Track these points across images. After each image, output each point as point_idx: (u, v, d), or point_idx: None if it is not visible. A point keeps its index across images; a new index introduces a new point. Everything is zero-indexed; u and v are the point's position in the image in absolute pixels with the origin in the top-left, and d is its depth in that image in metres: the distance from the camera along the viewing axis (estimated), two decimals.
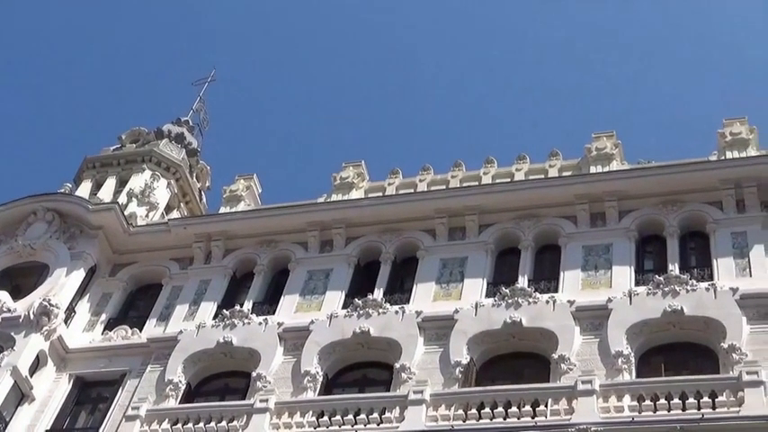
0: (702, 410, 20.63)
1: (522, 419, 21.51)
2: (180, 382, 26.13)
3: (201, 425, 23.74)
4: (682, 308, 23.68)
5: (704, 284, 24.26)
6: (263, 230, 30.08)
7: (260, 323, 27.01)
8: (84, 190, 34.05)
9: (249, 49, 69.25)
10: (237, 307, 27.76)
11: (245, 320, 27.19)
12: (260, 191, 33.54)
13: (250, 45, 70.10)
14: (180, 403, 25.63)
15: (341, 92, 68.77)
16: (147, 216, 32.82)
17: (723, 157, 27.69)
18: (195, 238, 30.43)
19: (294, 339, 26.25)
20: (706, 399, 20.79)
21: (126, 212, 31.51)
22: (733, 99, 58.80)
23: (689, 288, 24.19)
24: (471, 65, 67.87)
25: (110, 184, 34.48)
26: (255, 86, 68.95)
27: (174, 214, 34.62)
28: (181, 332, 27.41)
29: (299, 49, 70.21)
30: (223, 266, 29.68)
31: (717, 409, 20.59)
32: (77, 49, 71.54)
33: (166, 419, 24.24)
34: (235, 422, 23.56)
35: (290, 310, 27.46)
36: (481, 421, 21.79)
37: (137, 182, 34.07)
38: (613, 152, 29.05)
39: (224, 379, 26.66)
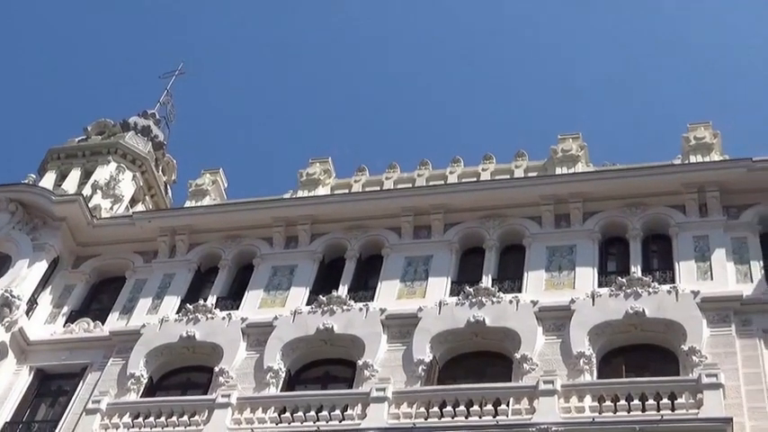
0: (662, 412, 20.81)
1: (484, 418, 21.59)
2: (142, 375, 26.02)
3: (163, 419, 23.63)
4: (643, 310, 23.90)
5: (666, 287, 24.49)
6: (229, 225, 30.02)
7: (223, 318, 26.94)
8: (48, 181, 33.78)
9: (218, 44, 69.06)
10: (201, 301, 27.69)
11: (209, 315, 27.12)
12: (226, 185, 33.47)
13: (219, 39, 69.90)
14: (141, 397, 25.54)
15: (309, 88, 68.70)
16: (111, 208, 32.64)
17: (687, 161, 27.96)
18: (160, 232, 30.33)
19: (257, 335, 26.22)
20: (665, 400, 20.96)
21: (90, 204, 31.32)
22: (698, 103, 59.45)
23: (651, 290, 24.42)
24: (439, 64, 68.05)
25: (74, 175, 34.20)
26: (223, 81, 68.78)
27: (139, 207, 34.42)
28: (144, 326, 27.31)
29: (269, 44, 70.09)
30: (187, 260, 29.60)
31: (676, 411, 20.78)
32: (44, 40, 71.02)
33: (127, 413, 24.13)
34: (196, 417, 23.48)
35: (253, 305, 27.43)
36: (443, 419, 21.84)
37: (102, 174, 33.84)
38: (579, 154, 29.24)
39: (186, 373, 26.60)
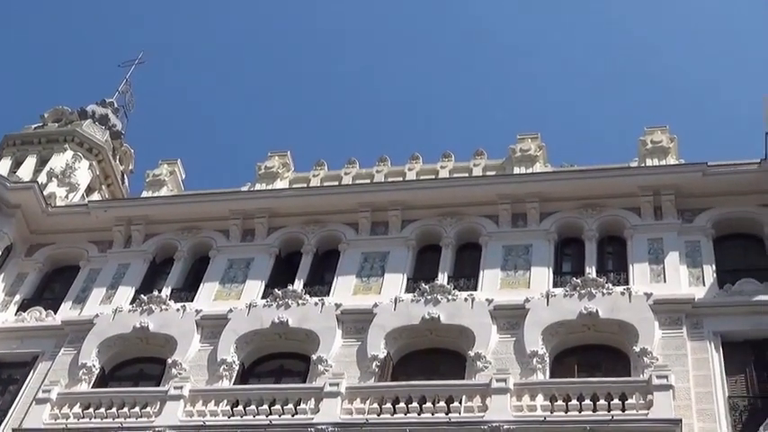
0: (612, 412, 20.96)
1: (437, 415, 21.64)
2: (93, 366, 25.84)
3: (114, 410, 23.42)
4: (597, 310, 24.10)
5: (620, 288, 24.72)
6: (185, 216, 29.89)
7: (178, 309, 26.82)
8: (2, 168, 33.38)
9: (179, 33, 68.61)
10: (156, 292, 27.57)
11: (163, 306, 27.01)
12: (183, 176, 33.30)
13: (180, 29, 69.44)
14: (93, 387, 25.35)
15: (269, 81, 68.46)
16: (66, 197, 32.35)
17: (643, 164, 28.21)
18: (115, 222, 30.13)
19: (212, 327, 26.13)
20: (616, 401, 21.12)
21: (45, 192, 31.02)
22: (655, 107, 59.96)
23: (605, 291, 24.63)
24: (400, 61, 68.08)
25: (30, 162, 33.86)
26: (183, 71, 68.32)
27: (95, 196, 34.15)
28: (97, 315, 27.12)
29: (229, 36, 69.81)
30: (143, 251, 29.43)
31: (626, 411, 20.94)
32: (2, 25, 70.13)
33: (78, 403, 23.90)
34: (148, 408, 23.30)
35: (208, 297, 27.33)
36: (396, 415, 21.85)
37: (58, 162, 33.54)
38: (537, 154, 29.41)
39: (139, 364, 26.43)
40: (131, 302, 27.58)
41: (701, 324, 23.70)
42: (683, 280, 24.93)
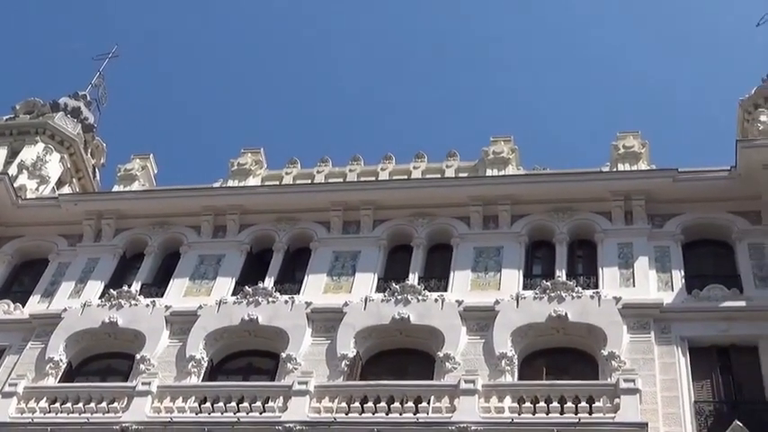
0: (579, 415, 21.06)
1: (405, 415, 21.66)
2: (61, 360, 25.70)
3: (81, 405, 23.26)
4: (566, 314, 24.23)
5: (589, 292, 24.86)
6: (157, 212, 29.77)
7: (147, 305, 26.73)
8: None
9: (153, 28, 68.34)
10: (125, 288, 27.45)
11: (132, 301, 26.89)
12: (156, 171, 33.13)
13: (154, 23, 69.14)
14: (60, 382, 25.20)
15: (244, 77, 68.32)
16: (37, 189, 32.17)
17: (615, 169, 28.36)
18: (86, 215, 29.96)
19: (181, 323, 26.05)
20: (584, 403, 21.23)
21: (16, 184, 30.82)
22: (628, 113, 60.31)
23: (574, 295, 24.76)
24: (374, 62, 68.09)
25: (0, 154, 33.61)
26: (158, 66, 68.06)
27: (66, 189, 33.97)
28: (65, 310, 26.97)
29: (204, 31, 69.57)
30: (113, 246, 29.29)
31: (593, 414, 21.04)
32: None
33: (45, 398, 23.70)
34: (115, 404, 23.14)
35: (178, 293, 27.25)
36: (364, 415, 21.85)
37: (29, 154, 33.33)
38: (510, 157, 29.51)
39: (107, 360, 26.31)
40: (100, 297, 27.44)
41: (669, 329, 23.90)
42: (652, 285, 25.11)
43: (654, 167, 28.38)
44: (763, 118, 27.84)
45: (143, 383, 23.34)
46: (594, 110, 64.04)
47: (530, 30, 67.91)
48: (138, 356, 25.27)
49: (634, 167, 28.28)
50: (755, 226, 26.12)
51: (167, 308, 26.51)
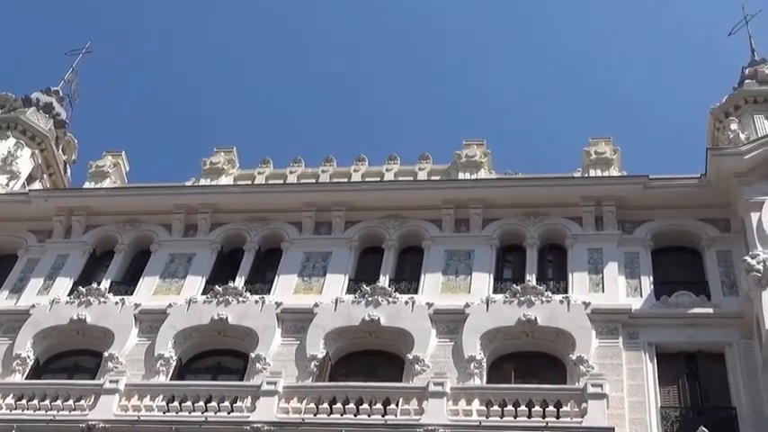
0: (547, 419, 21.17)
1: (373, 417, 21.69)
2: (28, 357, 25.56)
3: (47, 402, 23.11)
4: (535, 318, 24.35)
5: (559, 297, 24.99)
6: (128, 209, 29.64)
7: (116, 303, 26.63)
8: None
9: (127, 24, 68.04)
10: (94, 285, 27.32)
11: (101, 299, 26.78)
12: (127, 169, 32.99)
13: (129, 19, 68.83)
14: (26, 379, 25.04)
15: (217, 76, 68.14)
16: (7, 185, 31.94)
17: (586, 175, 28.52)
18: (56, 212, 29.79)
19: (150, 322, 25.98)
20: (551, 408, 21.33)
21: None
22: (600, 118, 60.61)
23: (544, 299, 24.88)
24: (349, 62, 68.06)
25: None
26: (131, 63, 67.69)
27: (37, 185, 33.76)
28: (33, 306, 26.83)
29: (178, 29, 69.29)
30: (83, 242, 29.15)
31: (561, 419, 21.16)
32: None
33: (11, 394, 23.53)
34: (82, 401, 23.01)
35: (148, 291, 27.15)
36: (332, 416, 21.86)
37: None
38: (482, 160, 29.61)
39: (74, 357, 26.17)
40: (69, 294, 27.31)
41: (637, 334, 24.07)
42: (621, 290, 25.27)
43: (625, 174, 28.57)
44: (733, 126, 28.05)
45: (110, 381, 23.21)
46: (567, 115, 64.32)
47: (505, 35, 68.16)
48: (106, 354, 25.16)
49: (605, 173, 28.44)
50: (724, 234, 26.33)
51: (137, 306, 26.41)
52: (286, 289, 26.61)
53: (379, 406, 21.87)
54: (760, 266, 22.93)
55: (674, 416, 22.44)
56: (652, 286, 25.27)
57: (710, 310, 24.35)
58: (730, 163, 26.23)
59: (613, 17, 67.15)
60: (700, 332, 23.88)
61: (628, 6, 67.06)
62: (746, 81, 31.01)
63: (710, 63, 60.30)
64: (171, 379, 24.49)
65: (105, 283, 27.59)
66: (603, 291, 25.28)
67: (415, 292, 26.01)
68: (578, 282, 25.60)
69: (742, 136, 27.42)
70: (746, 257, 23.39)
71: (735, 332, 23.68)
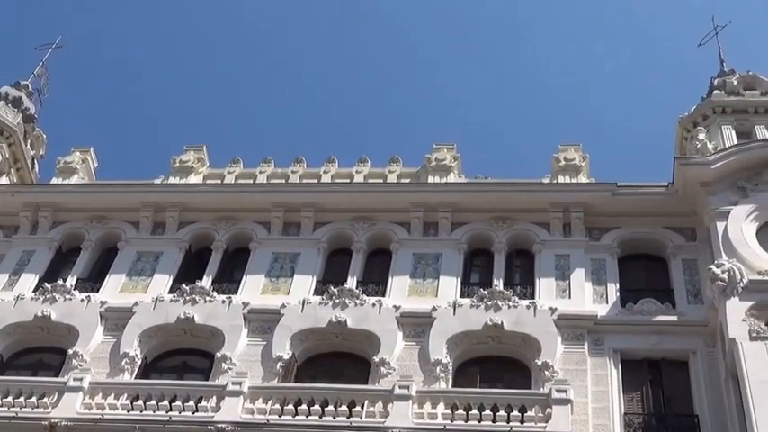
0: (511, 423, 21.25)
1: (338, 419, 21.68)
2: None
3: (10, 399, 22.88)
4: (502, 322, 24.46)
5: (525, 302, 25.10)
6: (95, 206, 29.50)
7: (82, 300, 26.48)
8: None
9: (98, 20, 67.58)
10: (60, 281, 27.15)
11: (67, 296, 26.63)
12: (96, 165, 32.78)
13: (100, 15, 68.41)
14: None
15: (188, 73, 67.83)
16: None
17: (555, 181, 28.66)
18: (23, 207, 29.60)
19: (116, 320, 25.85)
20: (516, 412, 21.41)
21: None
22: (570, 125, 60.91)
23: (510, 304, 24.99)
24: (321, 63, 67.98)
25: None
26: (102, 59, 67.28)
27: (4, 180, 33.37)
28: None
29: (150, 27, 68.96)
30: (49, 239, 28.98)
31: (525, 423, 21.25)
32: None
33: None
34: (45, 399, 22.82)
35: (114, 289, 27.02)
36: (297, 417, 21.83)
37: None
38: (452, 165, 29.69)
39: (38, 354, 25.98)
40: (34, 290, 27.13)
41: (602, 341, 24.24)
42: (588, 297, 25.44)
43: (593, 181, 28.74)
44: (701, 136, 28.27)
45: (74, 379, 23.07)
46: (538, 121, 64.56)
47: (477, 40, 68.31)
48: (70, 351, 25.02)
49: (574, 180, 28.62)
50: (690, 242, 26.58)
51: (102, 303, 26.28)
52: (253, 289, 26.57)
53: (344, 408, 21.88)
54: (725, 275, 23.12)
55: (637, 422, 22.61)
56: (618, 293, 25.44)
57: (675, 318, 24.56)
58: (697, 172, 26.46)
59: (584, 25, 67.56)
60: (664, 340, 24.10)
61: (598, 15, 67.51)
62: (715, 92, 31.26)
63: (680, 73, 60.77)
64: (136, 377, 24.39)
65: (71, 280, 27.43)
66: (570, 297, 25.43)
67: (383, 294, 26.04)
68: (545, 287, 25.72)
69: (709, 146, 27.66)
70: (711, 266, 23.58)
71: (699, 340, 23.90)
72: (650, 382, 23.60)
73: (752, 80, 31.55)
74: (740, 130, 29.59)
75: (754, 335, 21.95)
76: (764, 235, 25.13)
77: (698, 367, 23.36)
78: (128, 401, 22.55)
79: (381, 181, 29.84)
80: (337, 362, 24.82)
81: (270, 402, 22.24)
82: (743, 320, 22.29)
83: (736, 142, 28.42)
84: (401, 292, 26.04)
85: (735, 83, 31.48)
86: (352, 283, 26.44)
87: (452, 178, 29.50)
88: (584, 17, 67.51)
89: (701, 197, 26.21)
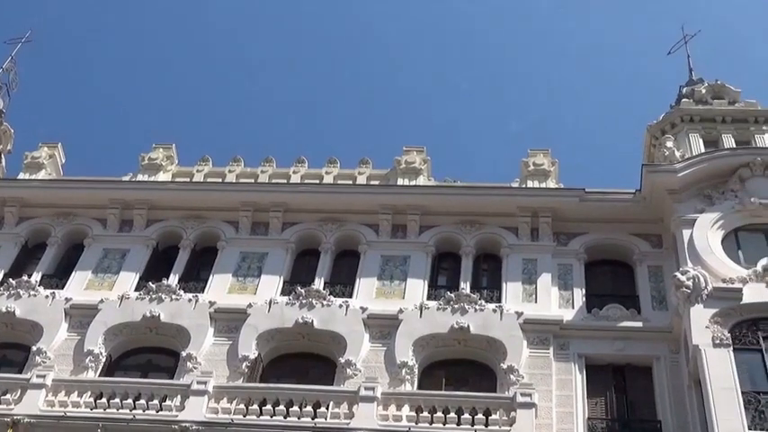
0: (476, 426, 21.33)
1: (302, 420, 21.68)
2: None
3: None
4: (468, 326, 24.52)
5: (492, 305, 25.18)
6: (62, 202, 29.30)
7: (47, 296, 26.31)
8: None
9: (69, 15, 67.15)
10: (25, 277, 26.95)
11: (32, 292, 26.45)
12: (63, 161, 32.52)
13: (71, 10, 67.97)
14: None
15: (159, 71, 67.48)
16: None
17: (524, 186, 28.77)
18: None
19: (80, 317, 25.70)
20: (480, 415, 21.50)
21: None
22: (540, 130, 61.10)
23: (477, 307, 25.07)
24: (293, 63, 67.85)
25: None
26: (72, 54, 66.81)
27: None
28: None
29: (120, 23, 68.51)
30: (15, 234, 28.78)
31: (489, 427, 21.33)
32: None
33: None
34: (8, 396, 22.63)
35: (80, 286, 26.86)
36: (261, 417, 21.81)
37: None
38: (422, 167, 29.73)
39: (2, 350, 25.81)
40: None
41: (568, 345, 24.38)
42: (554, 301, 25.55)
43: (562, 186, 28.86)
44: (668, 144, 28.47)
45: (38, 376, 22.90)
46: (508, 126, 64.75)
47: (448, 44, 68.41)
48: (34, 348, 24.85)
49: (543, 185, 28.72)
50: (656, 249, 26.77)
51: (67, 300, 26.13)
52: (220, 288, 26.50)
53: (309, 409, 21.87)
54: (690, 283, 23.28)
55: (601, 427, 22.75)
56: (584, 298, 25.58)
57: (640, 324, 24.72)
58: (664, 180, 26.64)
59: (554, 30, 67.83)
60: (629, 345, 24.25)
61: (568, 20, 67.79)
62: (683, 100, 31.49)
63: (650, 80, 61.07)
64: (100, 375, 24.26)
65: (36, 276, 27.24)
66: (536, 301, 25.55)
67: (350, 296, 26.05)
68: (512, 291, 25.83)
69: (677, 154, 27.85)
70: (677, 273, 23.74)
71: (663, 346, 24.09)
72: (614, 387, 23.75)
73: (720, 89, 31.83)
74: (708, 138, 29.83)
75: (718, 342, 22.12)
76: (729, 243, 25.36)
77: (662, 373, 23.53)
78: (91, 399, 22.43)
79: (351, 182, 29.84)
80: (303, 362, 24.80)
81: (235, 402, 22.19)
82: (707, 327, 22.44)
83: (703, 150, 28.62)
84: (368, 293, 26.06)
85: (703, 92, 31.74)
86: (319, 283, 26.42)
87: (422, 181, 29.55)
88: (552, 23, 67.80)
89: (668, 204, 26.39)
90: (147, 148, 31.35)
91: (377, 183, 29.81)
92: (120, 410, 22.11)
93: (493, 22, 67.83)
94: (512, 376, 23.28)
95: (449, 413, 21.59)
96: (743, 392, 21.05)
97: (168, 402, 22.23)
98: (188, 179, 30.48)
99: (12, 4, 65.49)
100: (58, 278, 27.43)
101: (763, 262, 24.02)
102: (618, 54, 66.79)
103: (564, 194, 28.00)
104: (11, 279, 26.92)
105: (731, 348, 22.02)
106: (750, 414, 20.74)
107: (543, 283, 25.95)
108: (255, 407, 21.97)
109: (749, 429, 20.34)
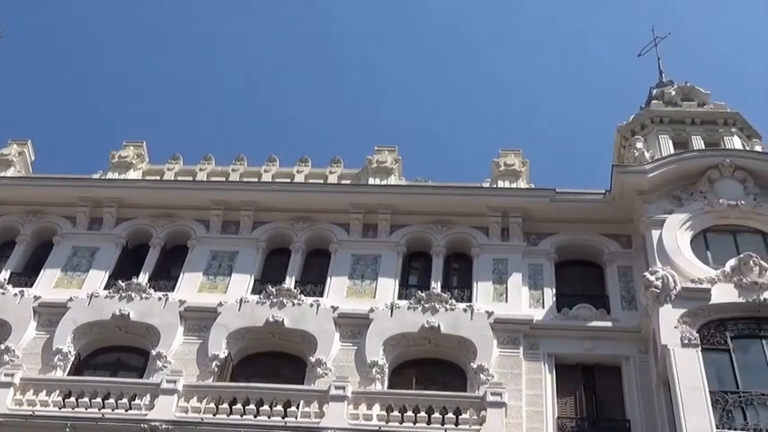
0: (446, 426, 21.40)
1: (273, 419, 21.67)
2: None
3: None
4: (439, 325, 24.58)
5: (462, 305, 25.26)
6: (31, 199, 29.10)
7: (15, 294, 26.13)
8: None
9: (39, 11, 66.70)
10: None
11: (0, 290, 26.23)
12: (33, 158, 32.26)
13: (41, 7, 67.52)
14: None
15: (130, 68, 67.19)
16: None
17: (495, 186, 28.85)
18: None
19: (49, 315, 25.54)
20: (450, 415, 21.58)
21: None
22: (511, 131, 61.32)
23: (448, 307, 25.13)
24: (264, 63, 67.74)
25: None
26: (42, 51, 66.34)
27: None
28: None
29: (91, 19, 68.16)
30: None
31: (459, 426, 21.42)
32: None
33: None
34: None
35: (48, 284, 26.70)
36: (232, 416, 21.78)
37: None
38: (393, 167, 29.76)
39: None
40: None
41: (538, 345, 24.48)
42: (524, 301, 25.66)
43: (532, 186, 28.97)
44: (638, 145, 28.67)
45: (5, 375, 22.77)
46: (479, 126, 64.90)
47: (418, 42, 68.51)
48: (2, 347, 24.66)
49: (513, 185, 28.82)
50: (626, 249, 26.92)
51: (36, 298, 25.97)
52: (190, 287, 26.42)
53: (279, 408, 21.86)
54: (659, 283, 23.44)
55: (570, 426, 22.88)
56: (554, 298, 25.71)
57: (609, 324, 24.87)
58: (634, 180, 26.80)
59: (526, 31, 68.07)
60: (598, 345, 24.39)
61: (541, 21, 68.04)
62: (653, 101, 31.71)
63: (620, 82, 61.42)
64: (68, 374, 24.12)
65: (5, 274, 27.06)
66: (507, 301, 25.64)
67: (321, 295, 26.04)
68: (482, 291, 25.91)
69: (647, 155, 28.04)
70: (646, 273, 23.89)
71: (632, 346, 24.24)
72: (584, 386, 23.89)
73: (689, 91, 32.07)
74: (677, 140, 30.03)
75: (686, 342, 22.28)
76: (698, 244, 25.56)
77: (630, 373, 23.69)
78: (60, 398, 22.31)
79: (322, 181, 29.82)
80: (273, 362, 24.77)
81: (205, 401, 22.15)
82: (675, 327, 22.60)
83: (673, 152, 28.83)
84: (339, 292, 26.06)
85: (673, 93, 31.97)
86: (290, 282, 26.39)
87: (393, 180, 29.58)
88: (525, 24, 68.05)
89: (638, 205, 26.56)
90: (118, 145, 31.19)
91: (348, 182, 29.80)
92: (89, 410, 22.00)
93: (464, 22, 67.96)
94: (482, 375, 23.36)
95: (419, 412, 21.66)
96: (711, 392, 21.20)
97: (138, 401, 22.15)
98: (158, 177, 30.34)
99: None
100: (26, 276, 27.25)
101: (731, 263, 24.20)
102: (588, 55, 67.19)
103: (534, 195, 28.11)
104: None
105: (699, 348, 22.18)
106: (718, 413, 20.89)
107: (514, 283, 26.05)
108: (226, 406, 21.94)
109: (717, 429, 20.50)
